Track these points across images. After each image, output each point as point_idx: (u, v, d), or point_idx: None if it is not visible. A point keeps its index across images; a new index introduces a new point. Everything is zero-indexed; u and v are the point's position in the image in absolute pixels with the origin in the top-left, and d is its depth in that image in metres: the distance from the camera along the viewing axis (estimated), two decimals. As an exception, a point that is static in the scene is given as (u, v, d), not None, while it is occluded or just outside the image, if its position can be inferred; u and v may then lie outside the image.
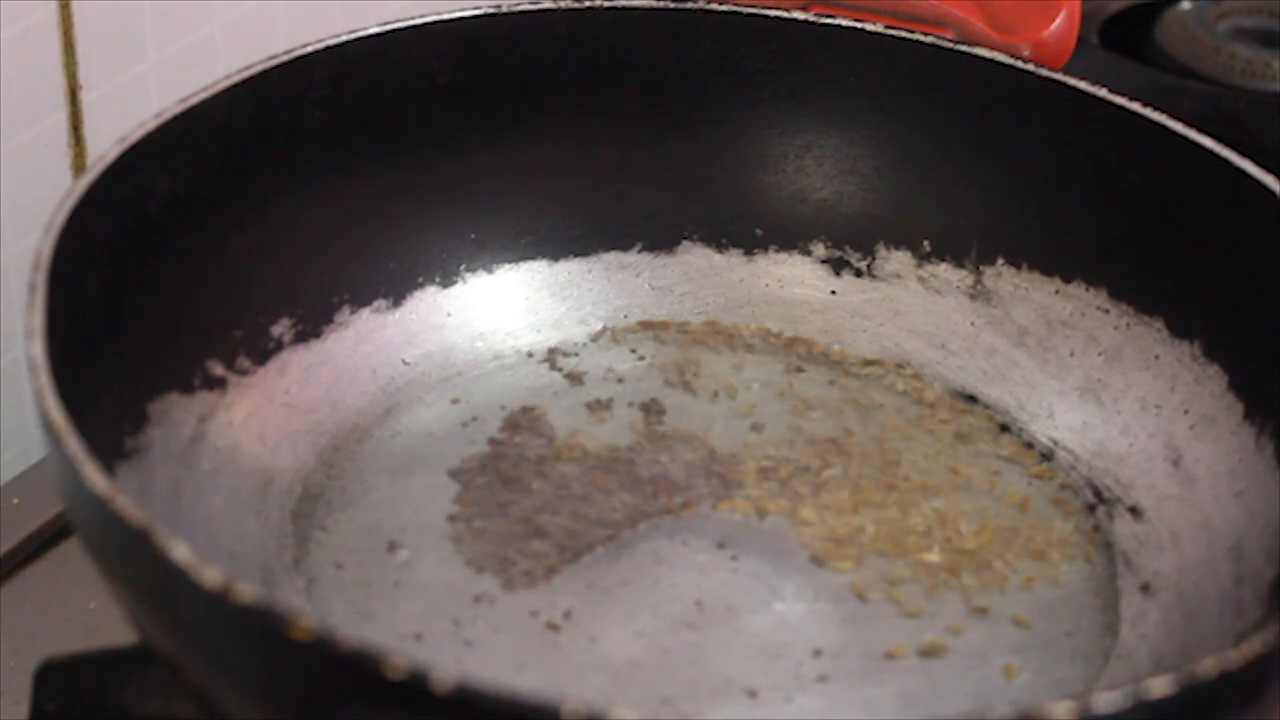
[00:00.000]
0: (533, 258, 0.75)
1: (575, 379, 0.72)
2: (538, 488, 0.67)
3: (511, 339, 0.74)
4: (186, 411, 0.64)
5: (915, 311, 0.75)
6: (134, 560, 0.51)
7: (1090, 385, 0.71)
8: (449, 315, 0.73)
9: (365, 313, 0.72)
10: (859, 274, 0.76)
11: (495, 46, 0.74)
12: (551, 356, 0.74)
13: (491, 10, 0.74)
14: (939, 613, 0.63)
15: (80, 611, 0.69)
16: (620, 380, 0.73)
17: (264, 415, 0.67)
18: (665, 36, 0.76)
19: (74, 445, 0.52)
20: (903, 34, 0.75)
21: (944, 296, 0.75)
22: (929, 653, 0.62)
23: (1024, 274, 0.74)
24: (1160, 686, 0.47)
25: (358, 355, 0.71)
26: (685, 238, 0.77)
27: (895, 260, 0.76)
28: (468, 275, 0.74)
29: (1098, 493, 0.69)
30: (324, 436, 0.68)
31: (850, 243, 0.77)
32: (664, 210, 0.76)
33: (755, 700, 0.59)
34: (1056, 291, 0.73)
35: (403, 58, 0.72)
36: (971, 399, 0.73)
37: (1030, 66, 0.73)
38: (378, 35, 0.71)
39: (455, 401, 0.71)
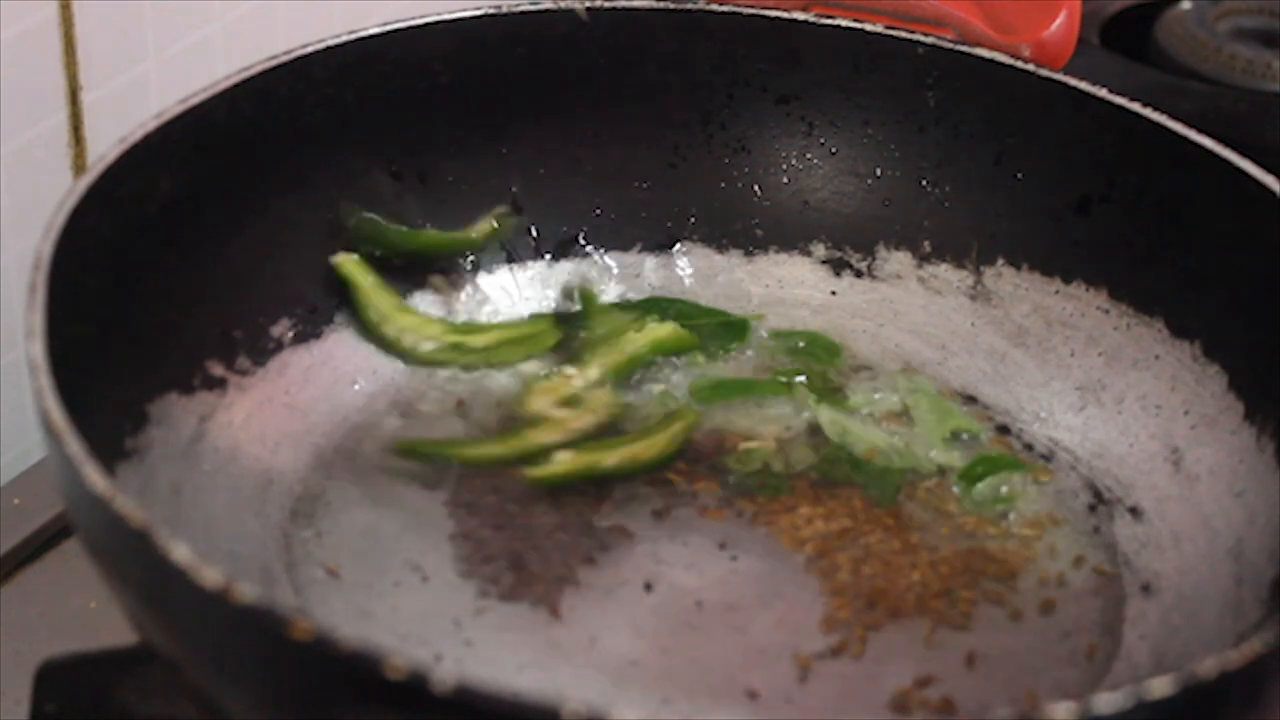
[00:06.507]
0: (533, 258, 0.75)
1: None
2: (538, 488, 0.67)
3: (512, 339, 0.74)
4: (187, 411, 0.64)
5: (915, 312, 0.75)
6: (134, 560, 0.51)
7: (1090, 385, 0.71)
8: (449, 315, 0.73)
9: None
10: (859, 274, 0.76)
11: (496, 47, 0.74)
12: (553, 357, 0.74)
13: (492, 11, 0.74)
14: (939, 613, 0.63)
15: (80, 611, 0.69)
16: (621, 383, 0.72)
17: (264, 415, 0.67)
18: (665, 36, 0.76)
19: (74, 445, 0.52)
20: (903, 34, 0.75)
21: (944, 297, 0.75)
22: (927, 653, 0.61)
23: (1024, 274, 0.74)
24: (1161, 687, 0.47)
25: (358, 355, 0.71)
26: (685, 238, 0.77)
27: (895, 261, 0.76)
28: (468, 275, 0.74)
29: (1098, 494, 0.69)
30: (324, 437, 0.68)
31: (850, 243, 0.77)
32: (664, 210, 0.76)
33: (755, 700, 0.59)
34: (1056, 292, 0.73)
35: (403, 58, 0.72)
36: (971, 399, 0.73)
37: (1030, 66, 0.73)
38: (378, 35, 0.71)
39: (457, 403, 0.71)
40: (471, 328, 0.72)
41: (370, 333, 0.70)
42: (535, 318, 0.74)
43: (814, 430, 0.70)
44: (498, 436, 0.68)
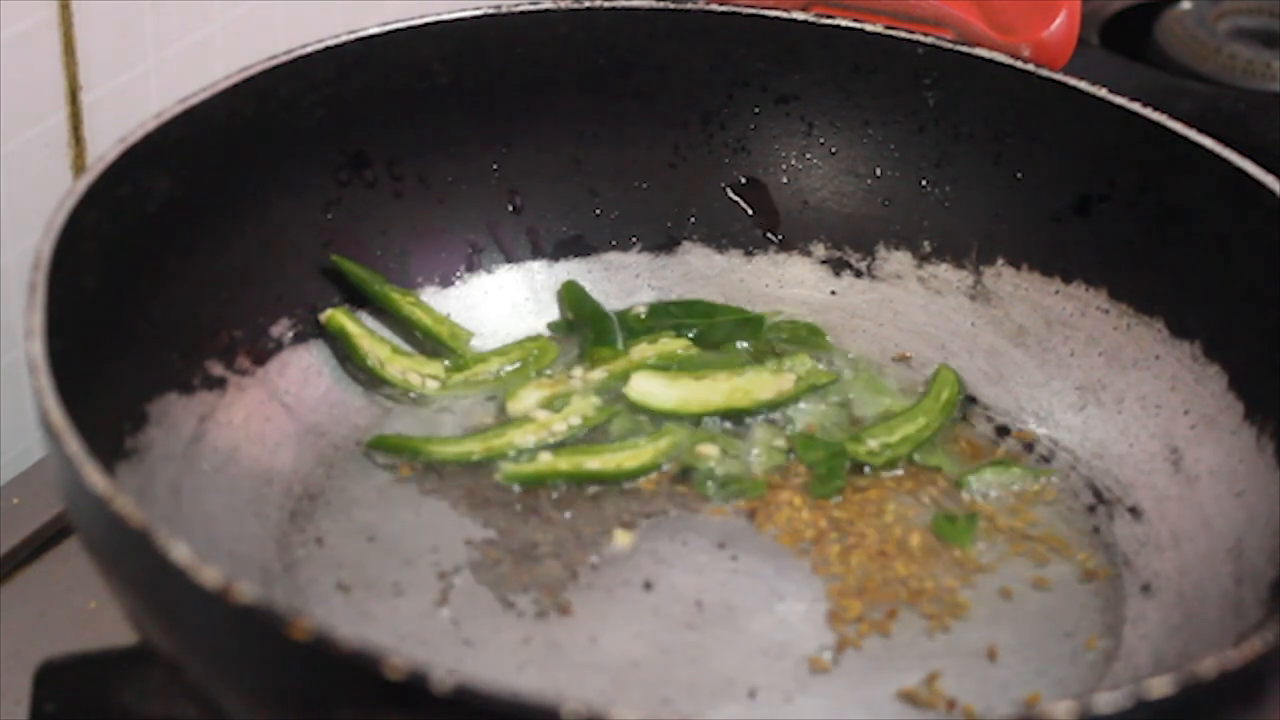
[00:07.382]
0: (532, 258, 0.75)
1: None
2: (537, 488, 0.67)
3: (511, 340, 0.74)
4: (186, 411, 0.64)
5: (915, 312, 0.75)
6: (134, 560, 0.51)
7: (1090, 385, 0.71)
8: (448, 315, 0.73)
9: (364, 314, 0.71)
10: (859, 274, 0.76)
11: (496, 47, 0.74)
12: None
13: (492, 11, 0.74)
14: (938, 613, 0.63)
15: (80, 611, 0.69)
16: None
17: (264, 415, 0.67)
18: (665, 36, 0.76)
19: (74, 445, 0.52)
20: (903, 34, 0.75)
21: (944, 297, 0.75)
22: (928, 653, 0.62)
23: (1024, 274, 0.74)
24: (1161, 686, 0.47)
25: (358, 355, 0.71)
26: (685, 238, 0.77)
27: (895, 261, 0.76)
28: (467, 275, 0.74)
29: (1098, 493, 0.69)
30: (323, 437, 0.68)
31: (850, 243, 0.77)
32: (664, 210, 0.77)
33: (755, 700, 0.59)
34: (1057, 292, 0.73)
35: (403, 58, 0.72)
36: (971, 399, 0.73)
37: (1030, 66, 0.73)
38: (378, 35, 0.71)
39: (455, 402, 0.71)
40: (471, 359, 0.72)
41: (375, 376, 0.70)
42: (531, 338, 0.73)
43: (816, 433, 0.71)
44: (475, 435, 0.68)
